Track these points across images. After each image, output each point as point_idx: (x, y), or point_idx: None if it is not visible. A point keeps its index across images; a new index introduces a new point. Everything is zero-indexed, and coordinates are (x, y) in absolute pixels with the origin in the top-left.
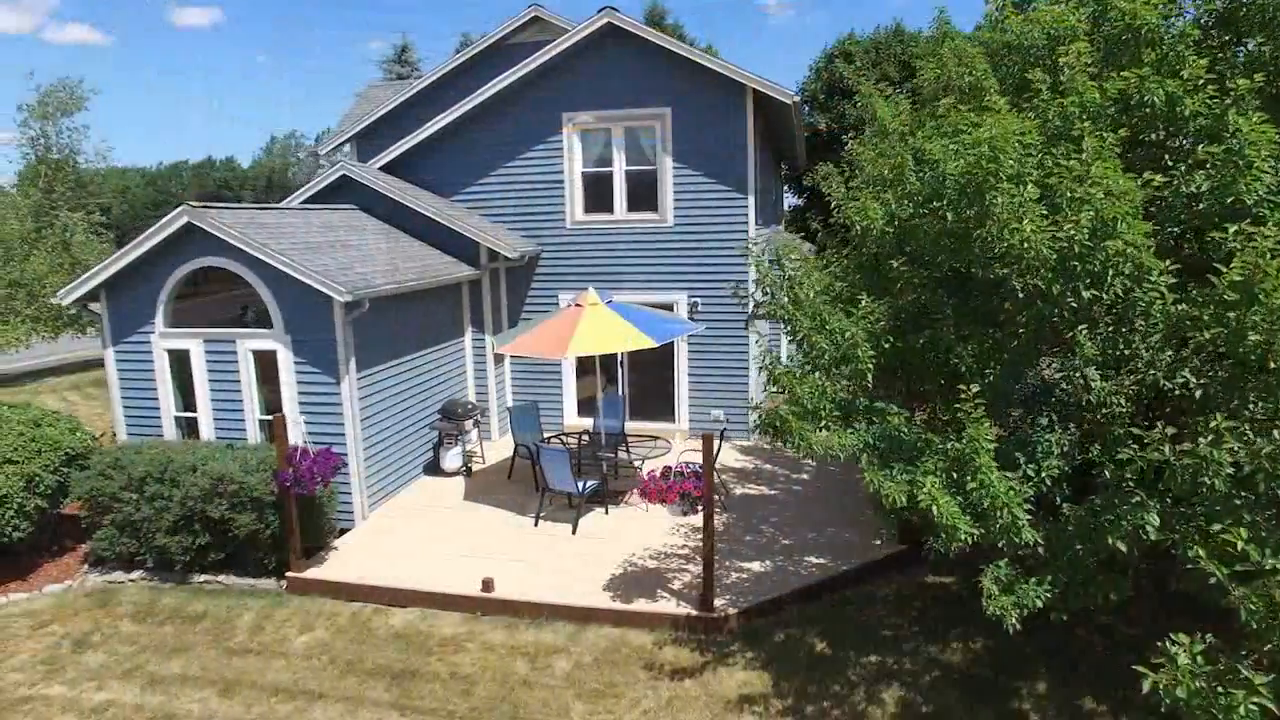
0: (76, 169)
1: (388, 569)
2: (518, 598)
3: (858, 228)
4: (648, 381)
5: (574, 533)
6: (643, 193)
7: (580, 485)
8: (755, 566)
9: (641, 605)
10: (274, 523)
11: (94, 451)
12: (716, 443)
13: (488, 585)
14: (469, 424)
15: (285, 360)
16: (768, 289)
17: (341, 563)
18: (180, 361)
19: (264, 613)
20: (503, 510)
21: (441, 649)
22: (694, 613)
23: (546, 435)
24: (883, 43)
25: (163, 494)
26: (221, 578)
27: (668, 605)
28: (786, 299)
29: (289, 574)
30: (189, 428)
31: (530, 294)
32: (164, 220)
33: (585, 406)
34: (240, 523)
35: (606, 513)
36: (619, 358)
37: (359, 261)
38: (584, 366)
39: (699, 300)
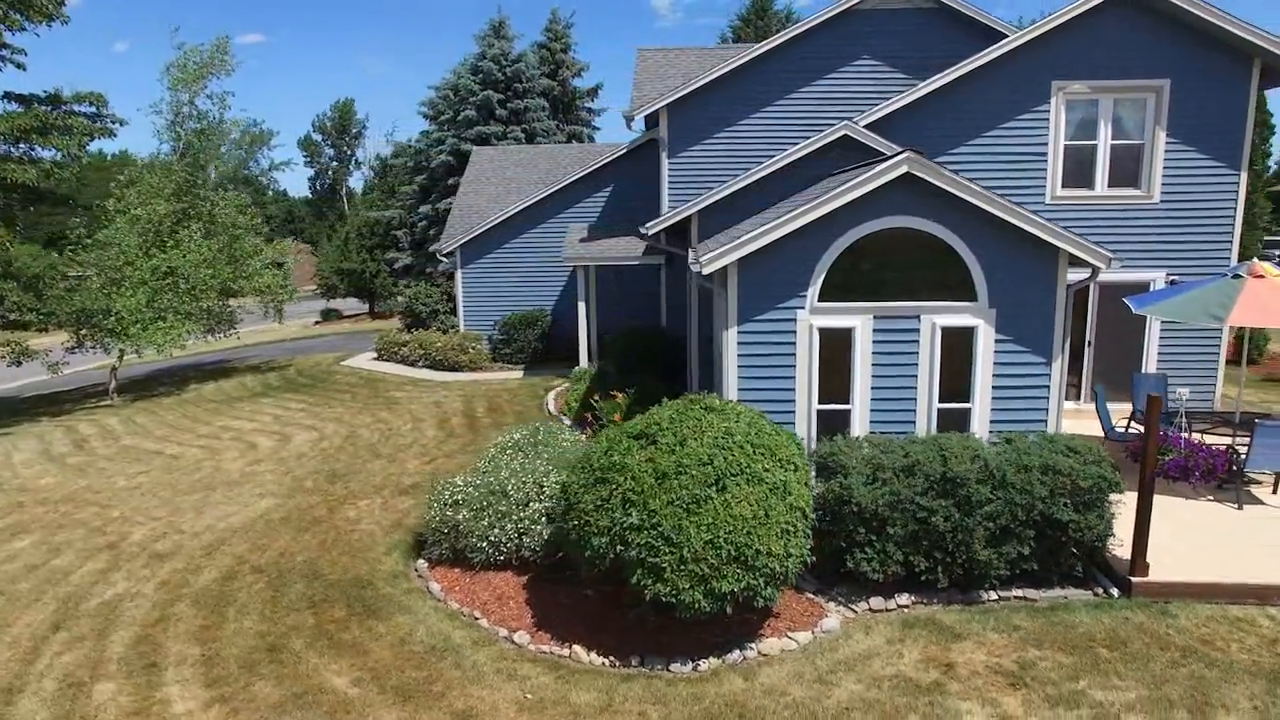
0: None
1: (1193, 563)
2: None
3: None
4: (1106, 356)
5: None
6: (1124, 167)
7: (1212, 468)
8: None
9: None
10: (1104, 522)
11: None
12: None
13: None
14: None
15: (984, 338)
16: None
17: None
18: (832, 342)
19: (1183, 630)
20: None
21: None
22: None
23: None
24: None
25: (990, 497)
26: (1016, 592)
27: None
28: None
29: (1135, 578)
30: (827, 423)
31: None
32: (868, 175)
33: None
34: (1083, 524)
35: (1275, 491)
36: (1090, 326)
37: None
38: None
39: (1176, 278)
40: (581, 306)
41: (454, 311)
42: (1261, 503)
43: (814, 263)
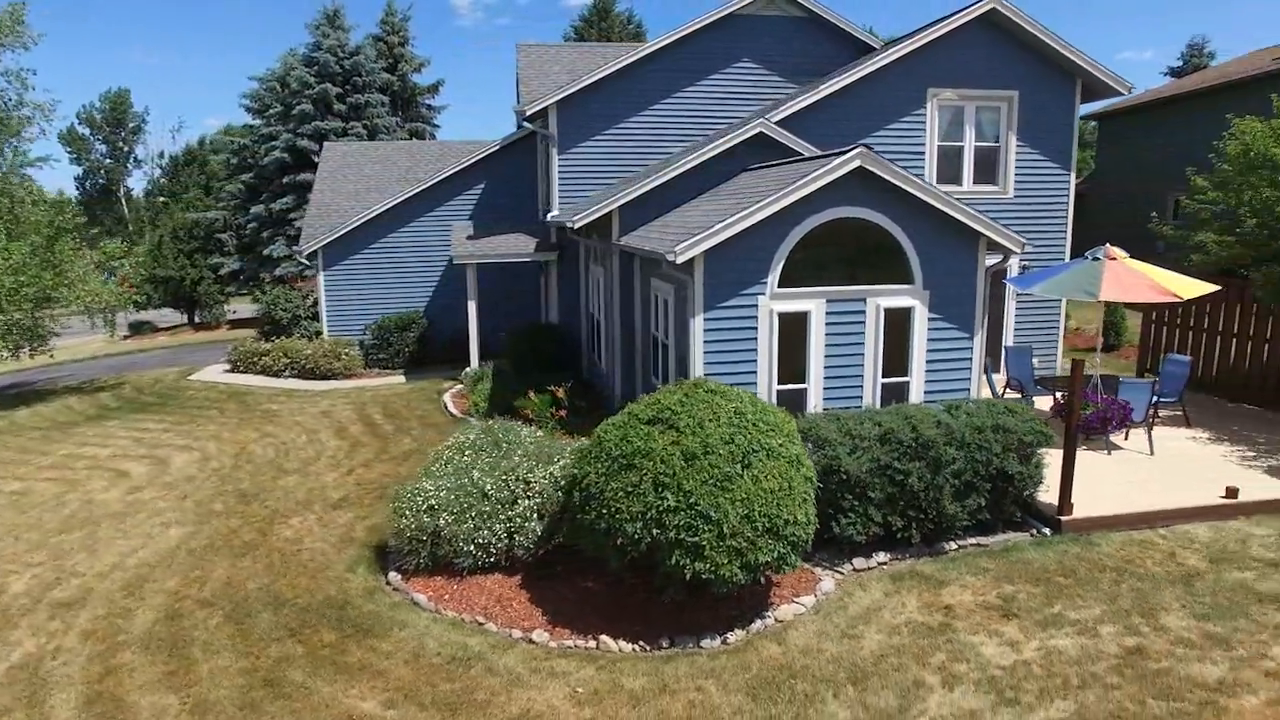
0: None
1: (1096, 501)
2: (1252, 498)
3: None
4: None
5: (1152, 453)
6: (984, 166)
7: (1146, 415)
8: None
9: None
10: (1039, 471)
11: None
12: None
13: (1233, 493)
14: None
15: (920, 317)
16: None
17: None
18: (790, 325)
19: (1109, 555)
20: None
21: None
22: None
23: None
24: None
25: (955, 457)
26: (971, 541)
27: None
28: None
29: (1064, 517)
30: (786, 402)
31: None
32: (827, 168)
33: None
34: (1025, 475)
35: (1125, 438)
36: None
37: None
38: None
39: (1027, 265)
40: (471, 306)
41: (316, 317)
42: (1121, 448)
43: (774, 251)
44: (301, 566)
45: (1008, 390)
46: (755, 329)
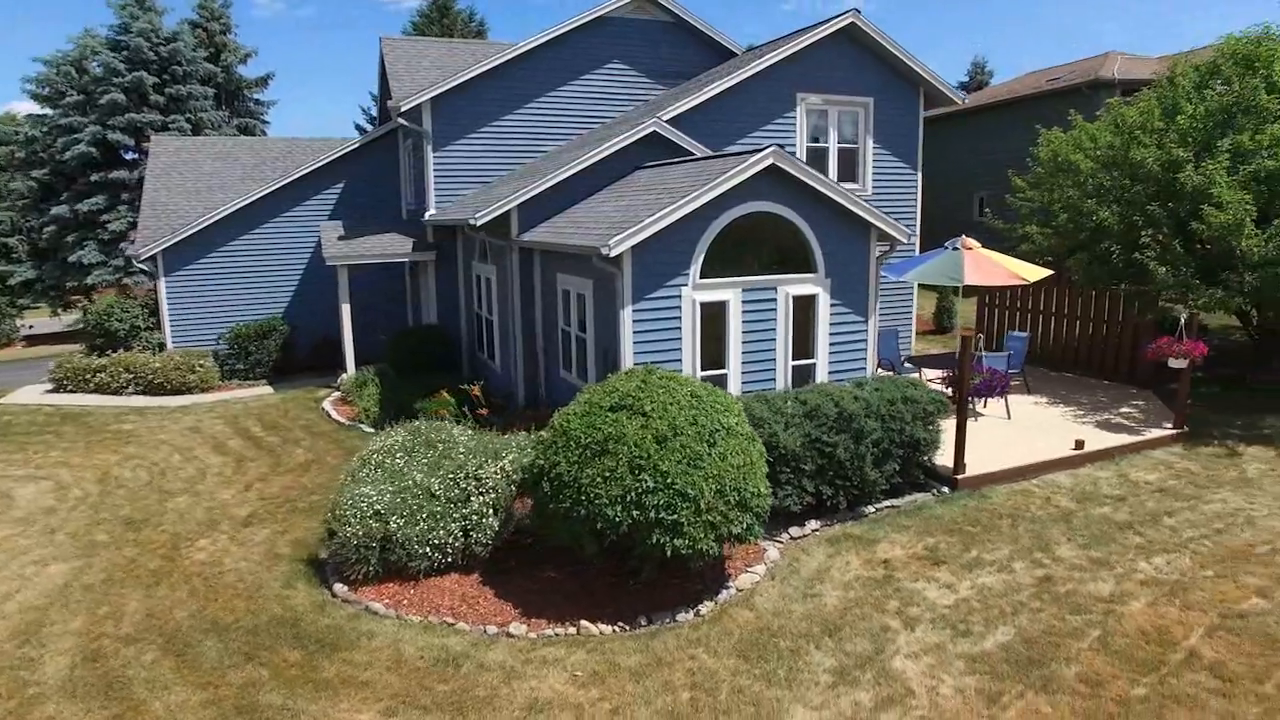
0: None
1: (977, 460)
2: (1094, 449)
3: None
4: None
5: (1009, 418)
6: (846, 166)
7: (1003, 387)
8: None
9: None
10: (939, 437)
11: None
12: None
13: (1080, 445)
14: None
15: (823, 302)
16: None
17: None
18: (710, 314)
19: (1001, 505)
20: None
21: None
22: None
23: None
24: None
25: (874, 428)
26: (886, 503)
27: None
28: None
29: (959, 476)
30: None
31: None
32: (745, 165)
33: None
34: (928, 440)
35: (984, 406)
36: None
37: None
38: None
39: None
40: (345, 310)
41: (158, 327)
42: (984, 414)
43: (695, 243)
44: (231, 589)
45: (879, 369)
46: (680, 318)
